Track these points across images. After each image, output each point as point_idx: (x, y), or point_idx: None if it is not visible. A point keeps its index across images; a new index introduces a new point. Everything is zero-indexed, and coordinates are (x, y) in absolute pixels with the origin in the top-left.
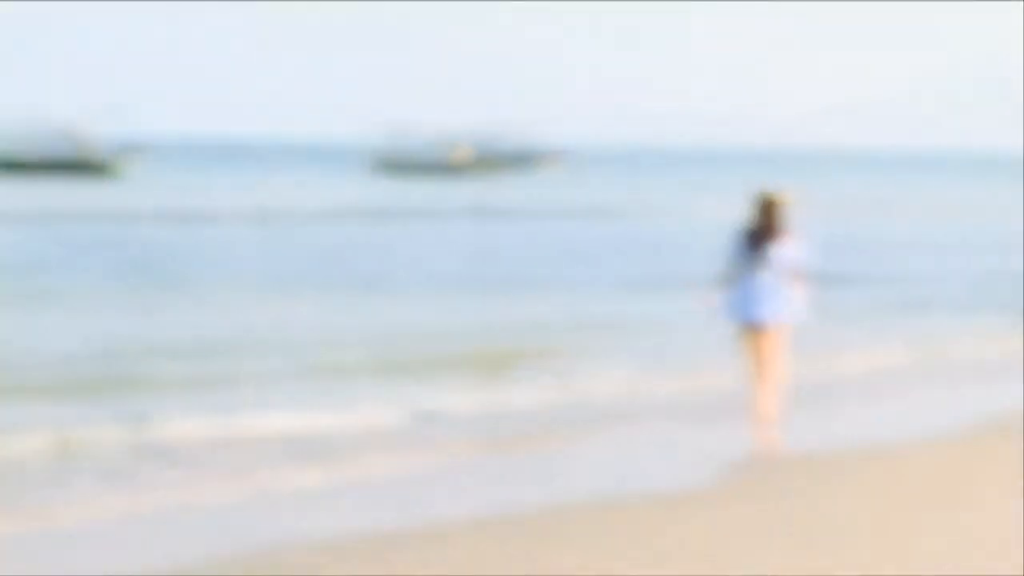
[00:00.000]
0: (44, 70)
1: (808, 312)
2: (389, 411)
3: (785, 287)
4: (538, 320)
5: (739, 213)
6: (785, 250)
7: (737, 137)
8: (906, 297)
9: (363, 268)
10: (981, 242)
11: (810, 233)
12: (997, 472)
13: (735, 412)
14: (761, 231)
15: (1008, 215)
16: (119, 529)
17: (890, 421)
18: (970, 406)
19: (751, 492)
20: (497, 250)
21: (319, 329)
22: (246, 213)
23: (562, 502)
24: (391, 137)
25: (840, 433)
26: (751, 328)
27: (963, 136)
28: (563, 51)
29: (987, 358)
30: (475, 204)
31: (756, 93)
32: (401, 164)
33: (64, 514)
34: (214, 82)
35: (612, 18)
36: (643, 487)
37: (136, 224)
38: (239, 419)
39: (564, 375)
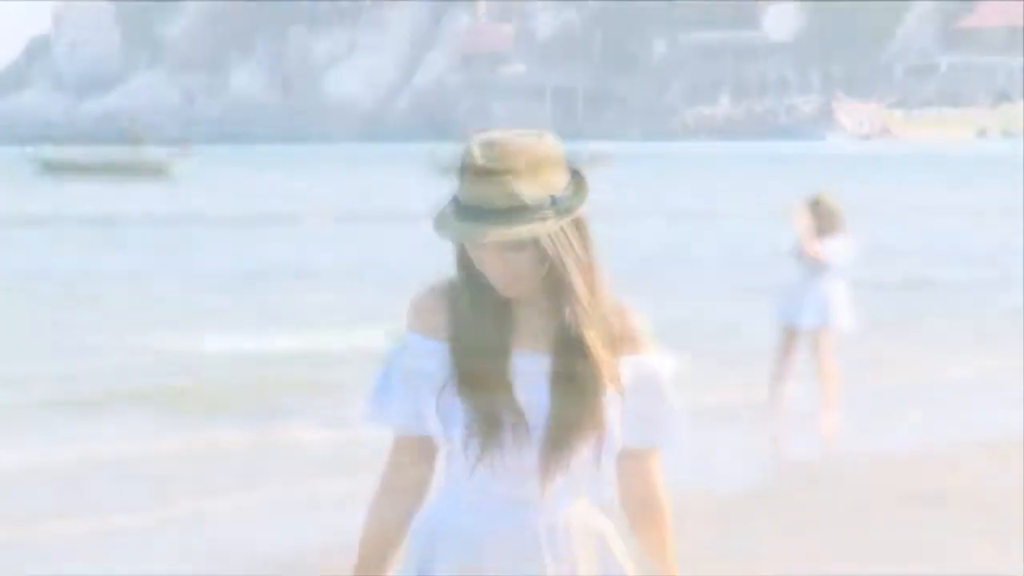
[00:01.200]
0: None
1: (855, 317)
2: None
3: (834, 291)
4: None
5: (794, 215)
6: (835, 254)
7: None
8: (1001, 301)
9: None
10: None
11: (870, 237)
12: None
13: (788, 416)
14: (812, 234)
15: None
16: (251, 522)
17: (949, 428)
18: None
19: (794, 495)
20: None
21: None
22: (326, 213)
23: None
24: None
25: (891, 439)
26: (796, 331)
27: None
28: None
29: None
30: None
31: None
32: (455, 163)
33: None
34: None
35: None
36: (699, 488)
37: (215, 227)
38: (346, 427)
39: None
